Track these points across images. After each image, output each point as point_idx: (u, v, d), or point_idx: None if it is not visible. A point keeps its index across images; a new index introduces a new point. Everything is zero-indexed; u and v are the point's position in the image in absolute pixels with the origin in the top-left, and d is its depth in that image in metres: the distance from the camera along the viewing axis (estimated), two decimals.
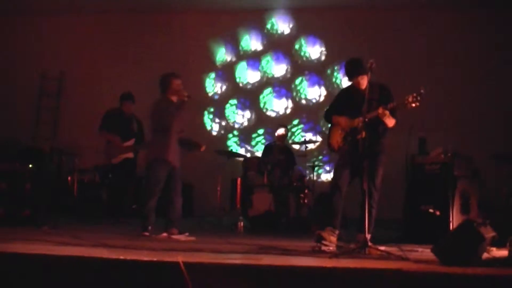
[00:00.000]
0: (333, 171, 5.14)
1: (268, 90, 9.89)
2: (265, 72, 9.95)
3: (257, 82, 9.96)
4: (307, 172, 7.74)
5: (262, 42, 10.02)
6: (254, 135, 9.87)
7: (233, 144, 9.87)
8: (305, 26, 9.86)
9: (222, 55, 10.05)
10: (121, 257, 3.89)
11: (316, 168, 7.84)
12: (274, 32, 10.00)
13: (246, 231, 6.64)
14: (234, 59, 10.05)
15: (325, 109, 5.41)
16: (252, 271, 3.72)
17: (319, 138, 9.09)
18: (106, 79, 9.72)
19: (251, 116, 9.91)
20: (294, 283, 3.62)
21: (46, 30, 10.13)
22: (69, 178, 8.43)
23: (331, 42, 9.75)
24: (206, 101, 9.93)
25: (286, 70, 9.92)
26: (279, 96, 9.84)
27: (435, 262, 3.98)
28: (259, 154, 9.38)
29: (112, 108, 7.36)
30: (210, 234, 6.15)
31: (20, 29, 10.19)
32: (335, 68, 9.68)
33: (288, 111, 9.82)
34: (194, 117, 9.15)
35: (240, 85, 10.03)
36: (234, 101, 9.98)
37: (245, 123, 9.93)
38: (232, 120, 9.93)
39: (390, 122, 4.82)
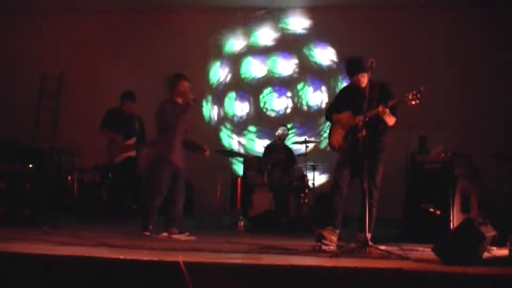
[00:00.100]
0: (333, 170, 5.13)
1: (268, 89, 9.87)
2: (269, 70, 9.93)
3: (258, 79, 9.93)
4: (307, 171, 7.73)
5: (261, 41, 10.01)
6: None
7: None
8: (301, 25, 9.86)
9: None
10: (121, 257, 3.89)
11: (315, 168, 7.83)
12: (275, 31, 9.99)
13: (246, 231, 6.63)
14: (236, 54, 10.03)
15: (326, 108, 5.42)
16: (253, 270, 3.72)
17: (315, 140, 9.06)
18: (106, 79, 9.72)
19: (249, 110, 9.86)
20: (295, 282, 3.62)
21: (46, 30, 10.12)
22: (69, 177, 8.43)
23: (332, 41, 9.73)
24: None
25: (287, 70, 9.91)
26: (279, 95, 9.82)
27: (436, 262, 3.98)
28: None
29: (113, 107, 7.35)
30: (210, 233, 6.15)
31: (20, 29, 10.19)
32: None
33: (288, 110, 9.80)
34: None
35: (243, 79, 9.98)
36: (233, 94, 9.94)
37: (242, 117, 9.88)
38: (230, 113, 9.89)
39: (390, 120, 4.83)
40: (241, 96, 9.93)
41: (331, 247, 4.69)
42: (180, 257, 3.66)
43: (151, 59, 9.79)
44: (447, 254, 3.97)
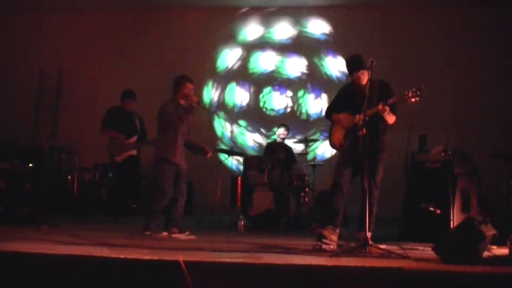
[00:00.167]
0: (334, 170, 5.13)
1: (268, 88, 9.87)
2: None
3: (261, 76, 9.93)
4: (307, 170, 7.73)
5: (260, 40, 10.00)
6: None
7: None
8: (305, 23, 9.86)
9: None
10: (121, 256, 3.89)
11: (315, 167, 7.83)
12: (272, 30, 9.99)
13: (246, 230, 6.63)
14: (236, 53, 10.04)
15: (326, 107, 5.43)
16: (253, 270, 3.72)
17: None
18: (105, 78, 9.71)
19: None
20: (295, 282, 3.62)
21: (45, 29, 10.12)
22: (68, 177, 8.42)
23: (332, 40, 9.73)
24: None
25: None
26: (280, 94, 9.82)
27: (436, 261, 3.98)
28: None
29: (114, 106, 7.33)
30: (210, 233, 6.15)
31: (19, 28, 10.18)
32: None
33: (288, 110, 9.79)
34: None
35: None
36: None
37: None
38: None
39: (390, 118, 4.83)
40: (241, 86, 9.90)
41: (331, 246, 4.69)
42: (180, 257, 3.66)
43: (150, 57, 9.79)
44: (447, 253, 3.97)
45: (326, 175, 6.92)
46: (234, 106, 9.91)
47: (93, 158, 8.60)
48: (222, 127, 9.92)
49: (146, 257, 3.88)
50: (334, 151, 6.13)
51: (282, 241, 5.26)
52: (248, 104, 9.89)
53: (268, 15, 9.91)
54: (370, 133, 4.64)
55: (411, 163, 5.88)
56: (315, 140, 8.40)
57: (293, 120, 9.49)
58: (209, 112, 9.45)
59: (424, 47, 9.17)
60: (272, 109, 9.82)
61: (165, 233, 5.60)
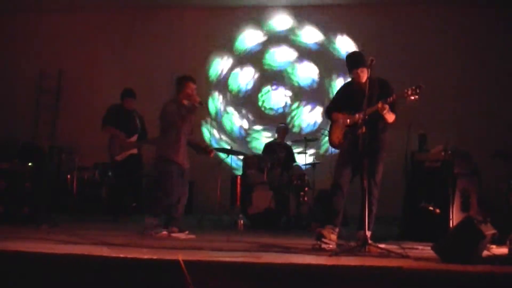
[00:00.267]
0: (334, 170, 5.13)
1: (267, 88, 9.86)
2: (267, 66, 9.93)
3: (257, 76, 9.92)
4: (307, 170, 7.73)
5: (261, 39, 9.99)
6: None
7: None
8: (306, 22, 9.84)
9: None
10: (121, 255, 3.89)
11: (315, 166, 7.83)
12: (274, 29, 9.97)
13: (246, 229, 6.63)
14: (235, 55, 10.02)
15: (326, 106, 5.43)
16: (252, 269, 3.72)
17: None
18: (105, 77, 9.71)
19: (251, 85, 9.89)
20: (294, 281, 3.63)
21: (44, 29, 10.11)
22: (68, 176, 8.41)
23: (332, 39, 9.73)
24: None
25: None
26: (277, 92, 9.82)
27: (436, 260, 3.99)
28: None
29: (114, 104, 7.32)
30: (210, 232, 6.15)
31: (19, 28, 10.17)
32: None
33: (287, 109, 9.78)
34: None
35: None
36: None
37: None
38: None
39: (390, 117, 4.83)
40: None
41: (331, 246, 4.69)
42: (180, 256, 3.67)
43: (150, 57, 9.79)
44: (446, 253, 3.98)
45: (326, 175, 6.92)
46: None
47: (93, 157, 8.60)
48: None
49: (146, 257, 3.88)
50: (334, 150, 6.11)
51: (281, 240, 5.27)
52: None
53: (267, 15, 9.89)
54: (369, 132, 4.65)
55: (411, 163, 5.88)
56: (315, 140, 8.38)
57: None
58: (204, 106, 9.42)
59: (424, 46, 9.16)
60: (271, 108, 9.81)
61: (164, 232, 5.60)
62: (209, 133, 9.73)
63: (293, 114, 9.65)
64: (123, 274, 3.77)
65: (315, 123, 9.60)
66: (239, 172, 8.35)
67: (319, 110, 9.60)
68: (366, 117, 4.59)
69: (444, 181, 5.47)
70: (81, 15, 10.06)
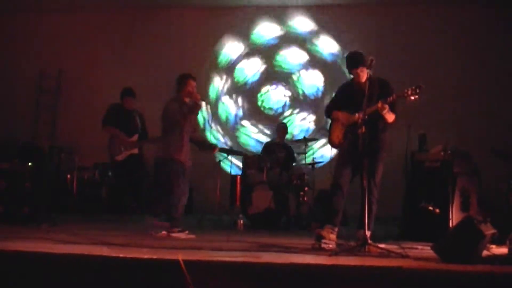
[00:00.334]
0: (333, 170, 5.13)
1: (266, 88, 9.86)
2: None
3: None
4: (307, 170, 7.73)
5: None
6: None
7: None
8: (305, 22, 9.84)
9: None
10: (121, 255, 3.89)
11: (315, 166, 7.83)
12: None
13: (246, 229, 6.63)
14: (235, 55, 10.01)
15: (326, 105, 5.44)
16: (252, 269, 3.72)
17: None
18: (105, 77, 9.70)
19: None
20: (294, 281, 3.63)
21: (44, 29, 10.11)
22: (68, 176, 8.41)
23: (332, 39, 9.72)
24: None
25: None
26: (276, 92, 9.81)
27: (435, 260, 3.99)
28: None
29: (114, 103, 7.31)
30: (209, 232, 6.15)
31: (19, 27, 10.17)
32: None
33: (286, 109, 9.78)
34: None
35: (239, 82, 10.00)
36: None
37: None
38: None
39: (390, 117, 4.83)
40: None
41: (330, 246, 4.70)
42: (180, 256, 3.67)
43: (150, 57, 9.79)
44: (446, 253, 3.98)
45: (326, 175, 6.92)
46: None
47: (93, 157, 8.59)
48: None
49: (145, 256, 3.88)
50: (334, 150, 6.12)
51: (281, 240, 5.27)
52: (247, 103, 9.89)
53: (268, 14, 9.89)
54: (369, 131, 4.64)
55: (411, 162, 5.89)
56: (314, 140, 8.38)
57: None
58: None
59: (424, 46, 9.16)
60: (270, 108, 9.81)
61: (164, 232, 5.60)
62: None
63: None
64: (123, 274, 3.77)
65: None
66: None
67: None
68: (366, 117, 4.59)
69: (444, 181, 5.47)
70: (81, 15, 10.05)
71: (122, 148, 7.04)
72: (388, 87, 4.94)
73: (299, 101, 9.74)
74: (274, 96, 9.81)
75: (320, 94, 9.70)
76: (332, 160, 7.14)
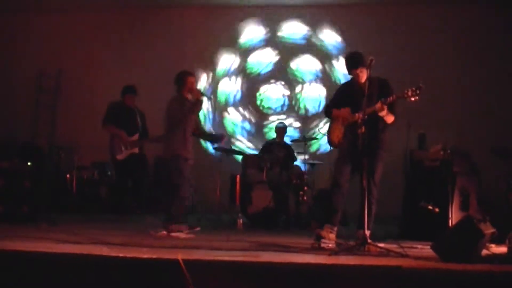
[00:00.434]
0: (333, 168, 5.13)
1: (265, 87, 9.85)
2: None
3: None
4: (307, 169, 7.73)
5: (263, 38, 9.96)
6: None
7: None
8: (305, 22, 9.84)
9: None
10: (121, 255, 3.89)
11: (314, 165, 7.82)
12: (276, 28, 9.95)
13: (245, 228, 6.63)
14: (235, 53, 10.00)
15: (325, 104, 5.43)
16: (252, 268, 3.73)
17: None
18: (104, 77, 9.69)
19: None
20: (294, 280, 3.63)
21: (43, 29, 10.10)
22: (67, 175, 8.40)
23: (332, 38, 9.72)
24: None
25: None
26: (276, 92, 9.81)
27: (435, 259, 4.00)
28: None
29: (114, 101, 7.29)
30: (209, 231, 6.14)
31: (18, 27, 10.16)
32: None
33: (285, 108, 9.77)
34: None
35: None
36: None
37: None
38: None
39: (389, 118, 4.83)
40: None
41: (330, 245, 4.70)
42: (179, 255, 3.67)
43: (150, 56, 9.77)
44: (446, 252, 3.98)
45: (326, 175, 6.93)
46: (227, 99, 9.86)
47: (92, 156, 8.59)
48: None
49: (145, 256, 3.88)
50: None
51: (281, 239, 5.27)
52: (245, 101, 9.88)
53: (268, 13, 9.88)
54: (369, 131, 4.64)
55: (410, 162, 5.89)
56: (313, 139, 8.37)
57: (291, 115, 9.51)
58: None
59: (424, 46, 9.15)
60: (269, 107, 9.80)
61: (164, 232, 5.60)
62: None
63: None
64: (123, 273, 3.77)
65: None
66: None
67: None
68: (366, 116, 4.59)
69: (444, 180, 5.48)
70: (80, 15, 10.04)
71: (122, 147, 7.03)
72: (388, 87, 4.94)
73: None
74: (273, 94, 9.78)
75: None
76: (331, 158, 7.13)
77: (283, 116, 9.53)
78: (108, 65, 9.82)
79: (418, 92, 4.56)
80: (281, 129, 8.06)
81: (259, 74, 9.86)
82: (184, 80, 5.83)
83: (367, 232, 4.49)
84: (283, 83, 9.76)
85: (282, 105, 9.75)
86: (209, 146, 7.59)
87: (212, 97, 9.59)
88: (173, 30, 9.90)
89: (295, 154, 7.92)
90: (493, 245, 4.45)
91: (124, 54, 9.87)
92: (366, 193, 4.60)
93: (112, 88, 7.93)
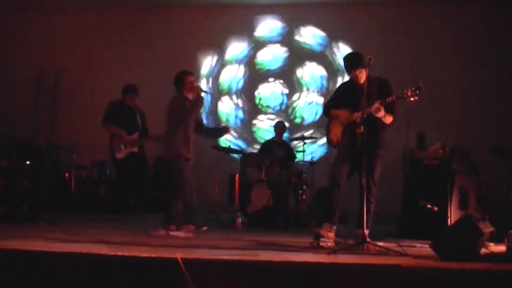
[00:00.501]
0: (331, 166, 5.14)
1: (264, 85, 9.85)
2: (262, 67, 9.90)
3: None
4: (306, 168, 7.73)
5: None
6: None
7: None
8: (305, 21, 9.84)
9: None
10: (120, 254, 3.89)
11: (313, 164, 7.82)
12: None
13: (244, 227, 6.63)
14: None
15: (324, 103, 5.43)
16: (251, 267, 3.73)
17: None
18: (103, 76, 9.69)
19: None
20: (293, 279, 3.63)
21: (43, 28, 10.10)
22: (66, 174, 8.40)
23: (332, 38, 9.72)
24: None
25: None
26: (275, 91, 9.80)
27: (434, 258, 3.99)
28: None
29: (114, 100, 7.28)
30: (208, 230, 6.13)
31: (17, 27, 10.16)
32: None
33: (284, 107, 9.76)
34: None
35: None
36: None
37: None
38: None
39: (387, 119, 4.82)
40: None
41: (329, 244, 4.70)
42: (178, 254, 3.67)
43: (149, 56, 9.77)
44: (445, 250, 3.98)
45: (325, 174, 6.92)
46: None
47: (91, 155, 8.60)
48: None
49: (144, 255, 3.88)
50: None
51: (280, 238, 5.27)
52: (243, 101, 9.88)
53: (268, 12, 9.89)
54: (368, 130, 4.63)
55: (409, 161, 5.89)
56: (312, 138, 8.37)
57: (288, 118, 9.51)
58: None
59: (424, 46, 9.14)
60: (268, 106, 9.80)
61: (163, 231, 5.60)
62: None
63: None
64: (122, 272, 3.77)
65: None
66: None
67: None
68: (365, 115, 4.58)
69: (443, 178, 5.47)
70: (80, 15, 10.04)
71: (122, 146, 7.03)
72: (387, 87, 4.94)
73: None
74: (272, 93, 9.78)
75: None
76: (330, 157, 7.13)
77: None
78: (108, 65, 9.82)
79: (417, 92, 4.55)
80: (280, 128, 8.06)
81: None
82: (183, 80, 5.84)
83: (366, 231, 4.48)
84: (281, 81, 9.76)
85: (281, 104, 9.75)
86: (208, 146, 7.56)
87: (212, 92, 9.59)
88: (173, 30, 9.90)
89: (295, 152, 7.93)
90: (492, 244, 4.45)
91: (124, 54, 9.87)
92: (365, 192, 4.60)
93: (112, 88, 7.93)
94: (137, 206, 7.49)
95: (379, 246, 4.38)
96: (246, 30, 9.90)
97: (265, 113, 9.71)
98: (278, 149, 7.66)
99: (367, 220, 4.57)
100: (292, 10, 9.81)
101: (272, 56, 9.82)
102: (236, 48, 9.92)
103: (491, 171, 6.20)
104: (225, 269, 3.71)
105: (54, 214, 6.72)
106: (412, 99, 4.59)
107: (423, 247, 4.51)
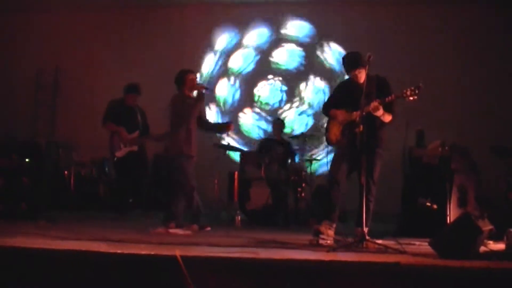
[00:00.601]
0: (330, 165, 5.14)
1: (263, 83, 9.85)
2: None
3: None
4: (305, 166, 7.73)
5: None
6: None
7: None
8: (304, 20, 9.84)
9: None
10: (119, 251, 3.90)
11: (313, 163, 7.82)
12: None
13: (243, 225, 6.63)
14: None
15: (323, 102, 5.44)
16: (250, 265, 3.72)
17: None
18: (102, 75, 9.70)
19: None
20: (292, 276, 3.63)
21: (42, 27, 10.10)
22: (65, 172, 8.40)
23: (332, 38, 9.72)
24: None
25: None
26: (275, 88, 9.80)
27: (433, 256, 3.99)
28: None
29: (115, 99, 7.27)
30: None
31: (18, 27, 10.17)
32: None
33: (283, 104, 9.76)
34: None
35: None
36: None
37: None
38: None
39: (386, 118, 4.83)
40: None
41: (328, 241, 4.70)
42: (177, 251, 3.67)
43: (149, 55, 9.76)
44: (444, 248, 3.98)
45: (324, 172, 6.94)
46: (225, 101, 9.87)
47: (91, 153, 8.60)
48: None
49: (143, 252, 3.89)
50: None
51: (279, 236, 5.28)
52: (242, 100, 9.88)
53: (268, 12, 9.89)
54: (367, 129, 4.63)
55: (409, 159, 5.89)
56: (312, 136, 8.36)
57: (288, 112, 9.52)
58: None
59: (424, 46, 9.14)
60: (267, 103, 9.79)
61: (162, 229, 5.61)
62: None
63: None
64: (121, 269, 3.77)
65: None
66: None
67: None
68: (364, 114, 4.58)
69: (442, 177, 5.47)
70: (80, 14, 10.04)
71: (121, 145, 7.03)
72: (387, 86, 4.94)
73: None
74: (271, 91, 9.77)
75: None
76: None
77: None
78: (108, 64, 9.82)
79: (417, 91, 4.55)
80: (278, 124, 8.01)
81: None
82: (184, 79, 5.85)
83: (365, 229, 4.48)
84: (280, 78, 9.76)
85: (280, 101, 9.74)
86: (208, 144, 7.56)
87: (214, 89, 9.59)
88: (173, 29, 9.90)
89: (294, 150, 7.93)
90: (491, 242, 4.45)
91: (124, 54, 9.87)
92: (364, 191, 4.60)
93: (112, 87, 7.93)
94: (137, 204, 7.48)
95: (378, 244, 4.38)
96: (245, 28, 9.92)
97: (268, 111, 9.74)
98: (277, 147, 7.64)
99: (367, 218, 4.57)
100: (291, 8, 9.81)
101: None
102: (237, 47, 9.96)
103: (491, 171, 6.19)
104: (225, 266, 3.71)
105: (54, 212, 6.73)
106: (411, 98, 4.59)
107: (422, 245, 4.51)
